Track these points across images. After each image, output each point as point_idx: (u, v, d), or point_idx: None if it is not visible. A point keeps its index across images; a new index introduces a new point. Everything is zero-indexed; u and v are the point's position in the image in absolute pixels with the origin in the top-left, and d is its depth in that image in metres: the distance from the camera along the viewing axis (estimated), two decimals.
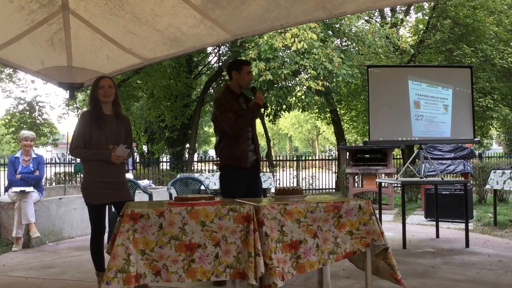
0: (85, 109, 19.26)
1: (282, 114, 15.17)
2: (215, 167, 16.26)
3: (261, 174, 4.67)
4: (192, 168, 15.39)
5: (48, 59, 5.61)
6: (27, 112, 14.86)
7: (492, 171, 7.79)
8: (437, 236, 6.57)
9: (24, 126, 13.93)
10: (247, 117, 4.32)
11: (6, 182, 6.65)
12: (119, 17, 4.78)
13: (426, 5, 15.77)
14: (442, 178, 6.48)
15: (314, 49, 10.90)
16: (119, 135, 3.95)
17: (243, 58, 11.06)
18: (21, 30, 4.86)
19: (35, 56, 5.57)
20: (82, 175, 4.01)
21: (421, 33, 15.94)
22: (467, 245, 5.82)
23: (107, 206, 4.09)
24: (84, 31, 5.07)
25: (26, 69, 5.95)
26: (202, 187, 7.49)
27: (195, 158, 16.48)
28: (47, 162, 11.76)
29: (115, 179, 3.92)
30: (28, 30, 4.86)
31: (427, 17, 16.07)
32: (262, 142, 17.50)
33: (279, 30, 10.33)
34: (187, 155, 16.74)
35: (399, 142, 6.90)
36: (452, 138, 6.54)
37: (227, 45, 13.87)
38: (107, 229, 4.26)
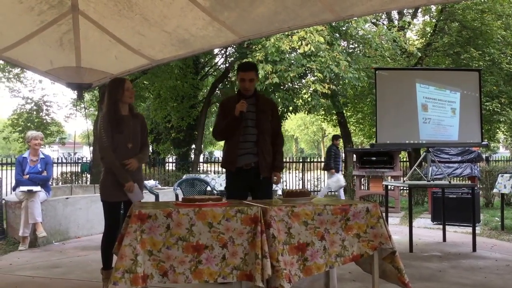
0: (92, 109, 19.29)
1: (288, 116, 15.16)
2: (220, 168, 16.30)
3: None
4: (198, 169, 15.42)
5: (57, 60, 5.64)
6: (34, 112, 14.93)
7: (500, 175, 7.76)
8: (444, 239, 6.54)
9: (32, 126, 14.00)
10: (218, 126, 4.38)
11: (14, 182, 6.69)
12: (128, 18, 4.79)
13: (433, 8, 15.72)
14: (449, 182, 6.46)
15: (321, 52, 10.89)
16: (136, 133, 4.09)
17: (250, 59, 11.05)
18: (31, 31, 4.89)
19: (44, 57, 5.59)
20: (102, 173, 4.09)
21: (428, 36, 15.89)
22: (474, 249, 5.80)
23: (122, 204, 4.12)
24: (93, 32, 5.09)
25: (35, 69, 5.98)
26: (208, 188, 7.51)
27: (201, 159, 16.51)
28: (54, 161, 11.80)
29: (131, 177, 4.01)
30: (38, 30, 4.88)
31: (434, 20, 16.02)
32: None
33: (286, 33, 10.33)
34: (193, 156, 16.77)
35: (406, 145, 6.87)
36: (460, 141, 6.51)
37: (234, 46, 13.88)
38: None
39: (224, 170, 4.46)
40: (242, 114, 4.19)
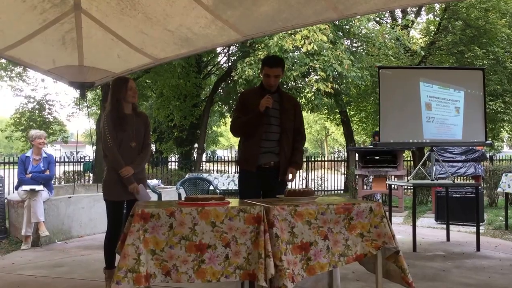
0: (94, 108, 19.32)
1: None
2: (223, 167, 16.30)
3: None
4: (201, 168, 15.42)
5: (59, 58, 5.64)
6: (37, 111, 14.96)
7: (504, 174, 7.72)
8: (448, 239, 6.51)
9: (34, 125, 14.02)
10: (238, 121, 4.13)
11: (16, 181, 6.69)
12: (130, 17, 4.79)
13: (437, 6, 15.67)
14: (453, 181, 6.43)
15: (324, 51, 10.87)
16: (139, 132, 4.09)
17: (252, 58, 11.02)
18: (33, 29, 4.89)
19: (46, 55, 5.59)
20: (105, 172, 4.07)
21: (432, 34, 15.84)
22: (478, 248, 5.77)
23: (125, 203, 4.11)
24: (96, 31, 5.08)
25: (37, 68, 5.98)
26: (211, 187, 7.50)
27: (204, 158, 16.50)
28: (56, 160, 11.82)
29: (134, 177, 4.00)
30: (40, 29, 4.88)
31: (438, 19, 15.97)
32: None
33: (289, 32, 10.31)
34: (195, 155, 16.77)
35: (410, 144, 6.84)
36: (464, 140, 6.48)
37: (237, 45, 13.87)
38: None
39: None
40: (267, 111, 3.94)
